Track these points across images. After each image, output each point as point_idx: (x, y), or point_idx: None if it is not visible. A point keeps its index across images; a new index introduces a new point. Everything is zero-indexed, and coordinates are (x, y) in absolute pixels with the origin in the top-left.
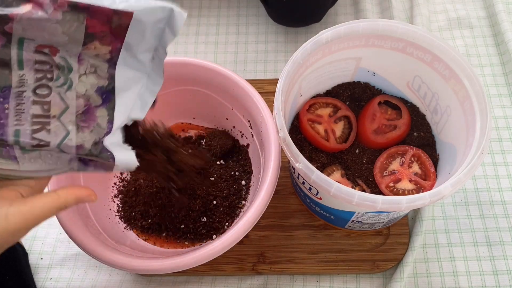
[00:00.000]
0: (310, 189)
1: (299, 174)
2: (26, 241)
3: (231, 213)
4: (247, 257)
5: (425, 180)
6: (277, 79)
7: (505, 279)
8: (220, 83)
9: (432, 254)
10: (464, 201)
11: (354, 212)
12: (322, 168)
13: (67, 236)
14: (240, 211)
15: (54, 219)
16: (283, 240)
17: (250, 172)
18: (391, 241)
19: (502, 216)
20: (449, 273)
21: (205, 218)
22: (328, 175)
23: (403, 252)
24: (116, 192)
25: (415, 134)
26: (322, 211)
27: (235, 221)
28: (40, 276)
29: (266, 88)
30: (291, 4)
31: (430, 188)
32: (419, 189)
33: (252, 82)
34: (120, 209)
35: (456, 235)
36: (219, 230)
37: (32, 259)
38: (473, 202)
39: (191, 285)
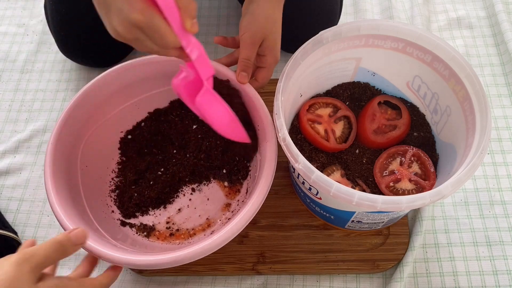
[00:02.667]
0: (310, 189)
1: (299, 174)
2: None
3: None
4: (247, 257)
5: (425, 180)
6: (277, 79)
7: (505, 279)
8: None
9: (432, 254)
10: (464, 201)
11: (354, 212)
12: (322, 168)
13: None
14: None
15: (55, 219)
16: (283, 240)
17: (248, 171)
18: (391, 241)
19: (502, 216)
20: (449, 273)
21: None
22: (328, 175)
23: (403, 252)
24: (113, 187)
25: (415, 134)
26: (322, 211)
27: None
28: None
29: (266, 88)
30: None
31: (430, 188)
32: (419, 189)
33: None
34: (117, 203)
35: (456, 235)
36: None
37: None
38: (473, 202)
39: (191, 285)
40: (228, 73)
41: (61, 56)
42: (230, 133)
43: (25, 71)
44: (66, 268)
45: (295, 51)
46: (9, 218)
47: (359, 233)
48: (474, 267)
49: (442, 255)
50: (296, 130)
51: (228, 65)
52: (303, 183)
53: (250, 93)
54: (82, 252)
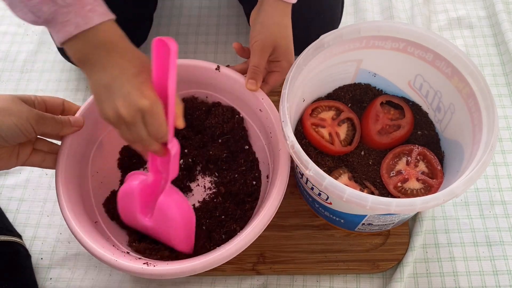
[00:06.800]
0: (319, 194)
1: (307, 180)
2: (26, 241)
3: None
4: (247, 257)
5: (433, 179)
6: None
7: (505, 279)
8: (230, 86)
9: (432, 254)
10: (464, 201)
11: (365, 216)
12: (329, 172)
13: (67, 236)
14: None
15: (54, 219)
16: (283, 240)
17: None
18: (391, 241)
19: (502, 216)
20: (449, 273)
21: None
22: (336, 178)
23: (403, 252)
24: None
25: (419, 132)
26: (332, 216)
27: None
28: (40, 276)
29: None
30: None
31: (438, 186)
32: (427, 188)
33: None
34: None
35: (456, 235)
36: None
37: (32, 259)
38: (473, 202)
39: (191, 285)
40: (241, 80)
41: (61, 56)
42: (184, 237)
43: (25, 71)
44: (66, 268)
45: (296, 56)
46: (9, 218)
47: (360, 233)
48: (474, 267)
49: (442, 255)
50: (301, 135)
51: (243, 72)
52: (312, 188)
53: (262, 99)
54: (82, 252)
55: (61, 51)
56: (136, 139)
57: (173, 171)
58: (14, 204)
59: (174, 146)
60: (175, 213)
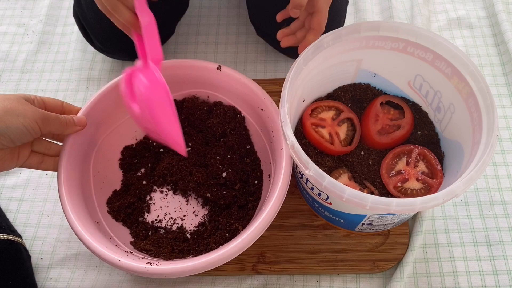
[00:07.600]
0: (319, 194)
1: (307, 180)
2: (26, 241)
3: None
4: (247, 257)
5: (432, 179)
6: (278, 79)
7: (505, 279)
8: (233, 86)
9: (432, 254)
10: (464, 201)
11: (365, 215)
12: (329, 172)
13: (67, 236)
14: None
15: (55, 219)
16: (283, 240)
17: (261, 172)
18: (391, 241)
19: (502, 216)
20: (449, 273)
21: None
22: (336, 178)
23: (403, 252)
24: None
25: (418, 132)
26: (332, 216)
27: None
28: (40, 276)
29: (266, 88)
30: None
31: (438, 186)
32: (427, 188)
33: None
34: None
35: (456, 235)
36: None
37: (32, 259)
38: (473, 202)
39: (191, 285)
40: (242, 79)
41: (61, 56)
42: (164, 127)
43: (25, 71)
44: (66, 268)
45: (295, 58)
46: (9, 218)
47: (360, 233)
48: (474, 267)
49: (442, 255)
50: (301, 135)
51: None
52: (312, 188)
53: (264, 99)
54: (82, 252)
55: (107, 46)
56: (108, 7)
57: (151, 48)
58: (14, 204)
59: (145, 15)
60: (144, 92)
